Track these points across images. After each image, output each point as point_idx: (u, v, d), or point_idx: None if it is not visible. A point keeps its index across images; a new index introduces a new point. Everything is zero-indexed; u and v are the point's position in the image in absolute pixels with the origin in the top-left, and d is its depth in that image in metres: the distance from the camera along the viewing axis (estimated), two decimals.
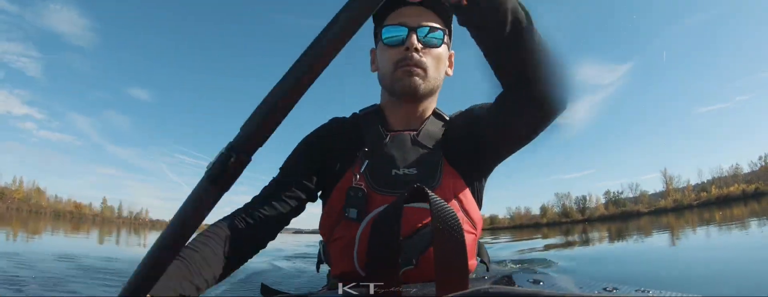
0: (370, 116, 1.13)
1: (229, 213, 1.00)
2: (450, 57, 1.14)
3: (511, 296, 0.56)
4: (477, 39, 0.85)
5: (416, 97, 1.05)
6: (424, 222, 0.94)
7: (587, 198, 70.03)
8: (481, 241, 1.18)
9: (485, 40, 0.83)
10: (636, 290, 0.68)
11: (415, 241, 0.93)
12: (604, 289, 0.70)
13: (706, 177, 64.29)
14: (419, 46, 1.00)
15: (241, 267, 0.98)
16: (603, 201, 69.14)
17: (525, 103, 0.90)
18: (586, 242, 7.97)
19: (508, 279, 0.89)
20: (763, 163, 58.48)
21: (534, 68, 0.83)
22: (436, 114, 1.13)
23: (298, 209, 1.07)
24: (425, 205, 0.79)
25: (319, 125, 1.19)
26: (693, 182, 64.59)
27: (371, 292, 0.66)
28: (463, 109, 1.17)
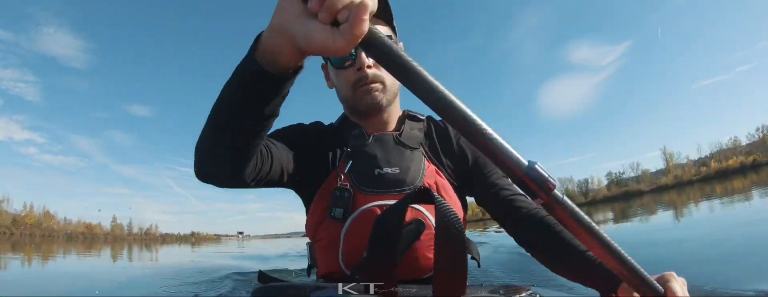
0: (349, 121, 1.12)
1: None
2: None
3: None
4: None
5: (381, 110, 1.06)
6: (409, 219, 0.94)
7: (589, 181, 70.17)
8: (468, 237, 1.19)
9: None
10: None
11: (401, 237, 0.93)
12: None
13: (706, 152, 64.36)
14: (370, 62, 1.00)
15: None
16: (605, 182, 69.20)
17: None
18: None
19: (504, 290, 0.86)
20: (761, 134, 58.54)
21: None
22: (410, 116, 1.13)
23: (276, 173, 0.96)
24: (415, 205, 0.88)
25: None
26: (693, 158, 64.56)
27: (371, 291, 0.66)
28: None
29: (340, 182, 0.99)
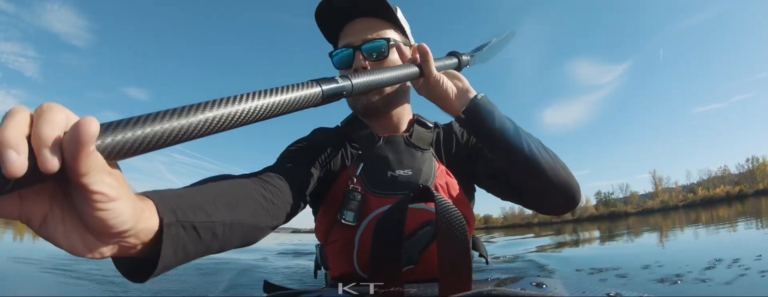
0: (357, 122, 1.10)
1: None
2: (414, 51, 1.02)
3: None
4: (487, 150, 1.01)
5: (379, 112, 1.04)
6: (424, 220, 0.94)
7: None
8: (476, 236, 1.21)
9: (491, 151, 0.94)
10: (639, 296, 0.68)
11: (416, 239, 0.93)
12: (608, 294, 0.69)
13: (695, 178, 65.25)
14: (367, 64, 0.98)
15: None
16: (594, 202, 69.86)
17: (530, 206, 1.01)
18: (576, 243, 8.38)
19: (511, 281, 0.87)
20: (750, 166, 59.45)
21: (532, 182, 0.90)
22: (419, 121, 1.10)
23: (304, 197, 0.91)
24: (423, 205, 0.89)
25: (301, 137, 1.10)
26: (682, 183, 65.46)
27: (371, 291, 0.65)
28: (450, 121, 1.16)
29: (351, 185, 0.97)
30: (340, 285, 0.71)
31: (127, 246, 0.43)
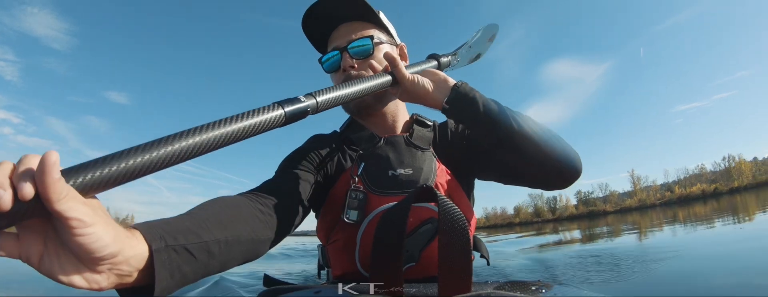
0: (356, 125, 1.12)
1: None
2: (402, 50, 1.16)
3: None
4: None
5: (371, 108, 1.07)
6: (425, 218, 0.95)
7: (558, 198, 72.00)
8: (477, 236, 1.23)
9: (482, 136, 0.92)
10: None
11: (416, 237, 0.94)
12: None
13: (673, 177, 67.27)
14: (353, 62, 1.02)
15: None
16: (574, 201, 71.47)
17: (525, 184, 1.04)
18: (558, 243, 8.18)
19: (511, 285, 0.86)
20: (727, 164, 61.31)
21: (527, 160, 0.89)
22: (419, 120, 1.12)
23: (305, 207, 0.95)
24: (424, 203, 0.88)
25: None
26: (659, 182, 67.38)
27: (371, 291, 0.66)
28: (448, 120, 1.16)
29: (353, 185, 0.98)
30: (340, 285, 0.70)
31: (122, 274, 0.47)
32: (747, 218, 8.08)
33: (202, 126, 0.54)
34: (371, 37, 1.04)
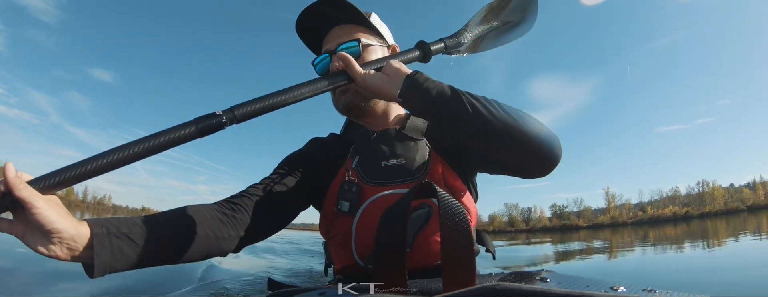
0: (353, 125, 1.21)
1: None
2: (393, 51, 1.16)
3: (519, 293, 0.53)
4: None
5: (359, 108, 1.09)
6: (417, 203, 0.96)
7: (532, 209, 72.81)
8: (483, 231, 1.25)
9: (444, 127, 0.88)
10: (643, 290, 0.68)
11: (409, 223, 0.93)
12: (611, 288, 0.69)
13: (647, 197, 68.10)
14: (340, 64, 0.98)
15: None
16: (548, 213, 72.04)
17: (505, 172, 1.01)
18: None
19: (515, 276, 0.88)
20: (700, 189, 62.58)
21: (497, 148, 0.84)
22: (414, 116, 1.13)
23: (279, 219, 1.06)
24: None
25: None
26: (634, 201, 68.13)
27: (372, 291, 0.65)
28: None
29: (347, 177, 1.03)
30: (340, 285, 0.67)
31: (71, 248, 0.69)
32: (716, 243, 8.02)
33: (128, 143, 0.70)
34: (359, 40, 1.07)
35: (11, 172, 0.63)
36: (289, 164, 1.10)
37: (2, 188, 0.63)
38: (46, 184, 0.66)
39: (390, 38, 1.17)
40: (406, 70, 0.89)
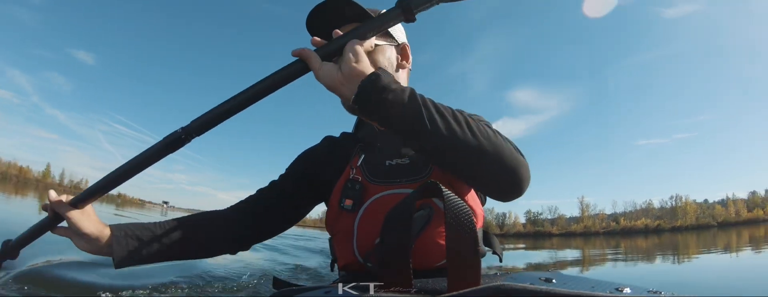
0: (363, 122, 1.20)
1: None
2: (404, 50, 1.12)
3: (525, 293, 0.53)
4: None
5: None
6: (416, 205, 0.91)
7: (507, 215, 73.81)
8: (491, 232, 1.23)
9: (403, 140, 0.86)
10: (648, 291, 0.70)
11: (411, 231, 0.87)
12: (616, 289, 0.70)
13: (620, 209, 69.34)
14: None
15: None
16: (523, 219, 73.10)
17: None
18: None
19: (519, 277, 0.91)
20: (674, 203, 64.00)
21: (458, 171, 0.82)
22: None
23: (288, 217, 1.17)
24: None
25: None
26: (608, 211, 69.26)
27: (373, 291, 0.66)
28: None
29: (352, 175, 1.03)
30: (340, 285, 0.67)
31: (100, 247, 0.95)
32: (687, 258, 7.99)
33: (124, 164, 0.86)
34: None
35: (53, 195, 0.92)
36: (300, 162, 1.19)
37: (51, 208, 0.90)
38: (78, 199, 0.91)
39: (401, 36, 1.11)
40: (364, 69, 0.75)
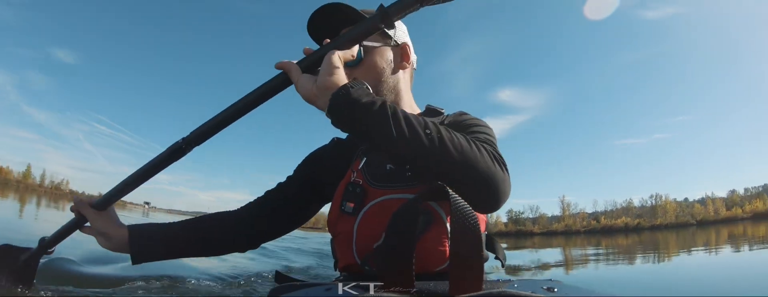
0: None
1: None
2: (403, 50, 1.11)
3: None
4: None
5: None
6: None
7: (489, 215, 73.55)
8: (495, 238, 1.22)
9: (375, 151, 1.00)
10: None
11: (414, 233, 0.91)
12: None
13: (601, 207, 70.25)
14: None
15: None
16: (504, 218, 73.59)
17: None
18: None
19: (522, 284, 0.90)
20: (653, 202, 65.11)
21: (439, 176, 0.77)
22: (430, 109, 1.16)
23: (294, 217, 1.21)
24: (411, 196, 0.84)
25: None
26: (589, 210, 70.09)
27: (373, 291, 0.66)
28: (458, 111, 1.16)
29: (353, 178, 1.03)
30: (340, 285, 0.68)
31: (119, 245, 1.07)
32: (666, 256, 7.98)
33: (135, 171, 1.00)
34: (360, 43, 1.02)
35: (77, 199, 1.07)
36: (306, 165, 1.22)
37: (77, 210, 1.06)
38: (99, 203, 1.04)
39: (402, 36, 1.10)
40: (337, 81, 0.77)
